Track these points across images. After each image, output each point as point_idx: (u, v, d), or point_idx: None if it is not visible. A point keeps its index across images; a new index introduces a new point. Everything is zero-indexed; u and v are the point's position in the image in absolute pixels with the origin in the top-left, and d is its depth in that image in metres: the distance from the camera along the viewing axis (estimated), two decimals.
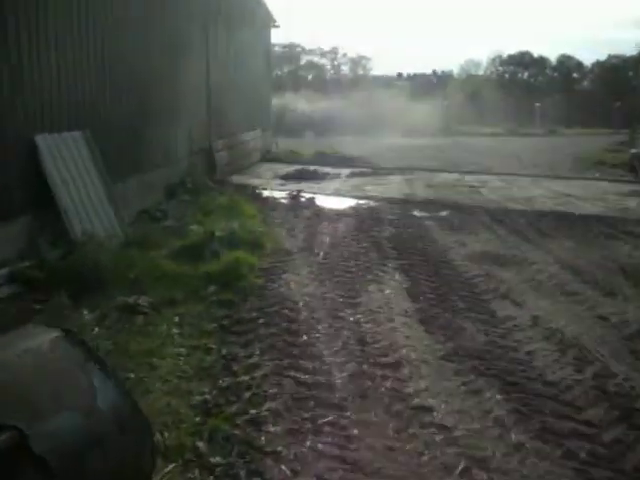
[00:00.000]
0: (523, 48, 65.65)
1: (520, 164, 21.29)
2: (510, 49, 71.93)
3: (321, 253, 9.95)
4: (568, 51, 68.16)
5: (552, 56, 66.59)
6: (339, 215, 12.99)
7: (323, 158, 21.42)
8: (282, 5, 73.73)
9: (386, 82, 57.98)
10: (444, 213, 13.48)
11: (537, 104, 40.94)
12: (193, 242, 9.35)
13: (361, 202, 14.67)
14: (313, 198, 14.98)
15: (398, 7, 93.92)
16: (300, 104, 40.52)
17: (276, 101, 34.36)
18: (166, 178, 13.76)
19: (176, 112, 14.17)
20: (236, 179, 17.50)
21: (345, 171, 19.41)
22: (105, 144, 10.09)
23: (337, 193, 15.83)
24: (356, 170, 19.55)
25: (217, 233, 9.56)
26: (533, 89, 61.95)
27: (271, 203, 14.38)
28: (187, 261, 8.63)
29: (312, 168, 19.34)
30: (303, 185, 16.76)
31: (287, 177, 18.04)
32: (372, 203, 14.59)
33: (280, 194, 15.59)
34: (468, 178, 18.23)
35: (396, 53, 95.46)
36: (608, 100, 47.91)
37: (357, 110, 38.32)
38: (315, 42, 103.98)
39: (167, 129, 13.77)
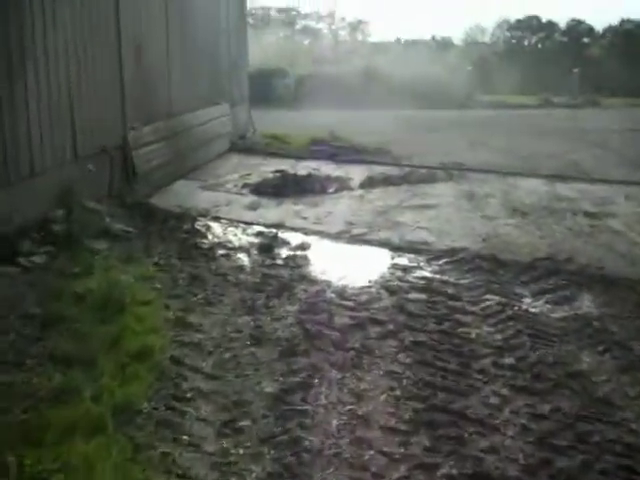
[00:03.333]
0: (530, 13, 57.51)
1: (620, 158, 12.83)
2: (517, 14, 63.52)
3: None
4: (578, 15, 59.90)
5: (561, 21, 58.48)
6: (357, 320, 5.60)
7: (321, 149, 13.05)
8: None
9: (384, 48, 50.28)
10: (588, 304, 6.10)
11: (575, 70, 32.43)
12: None
13: (398, 262, 7.19)
14: (304, 250, 7.54)
15: None
16: (294, 69, 32.16)
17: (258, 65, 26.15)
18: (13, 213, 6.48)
19: (21, 82, 6.27)
20: (170, 197, 9.63)
21: (357, 174, 11.56)
22: None
23: (348, 234, 8.25)
24: (375, 172, 11.46)
25: None
26: (540, 55, 55.49)
27: (216, 269, 6.87)
28: None
29: (304, 170, 11.23)
30: (287, 208, 9.36)
31: (262, 189, 10.14)
32: (422, 268, 7.07)
33: (242, 236, 8.01)
34: (566, 191, 10.38)
35: (394, 18, 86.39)
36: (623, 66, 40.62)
37: (360, 77, 29.90)
38: (312, 5, 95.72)
39: None
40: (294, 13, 66.58)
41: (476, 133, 17.22)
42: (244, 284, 6.20)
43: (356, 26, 67.66)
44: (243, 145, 14.14)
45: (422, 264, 6.91)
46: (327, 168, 12.10)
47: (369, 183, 10.72)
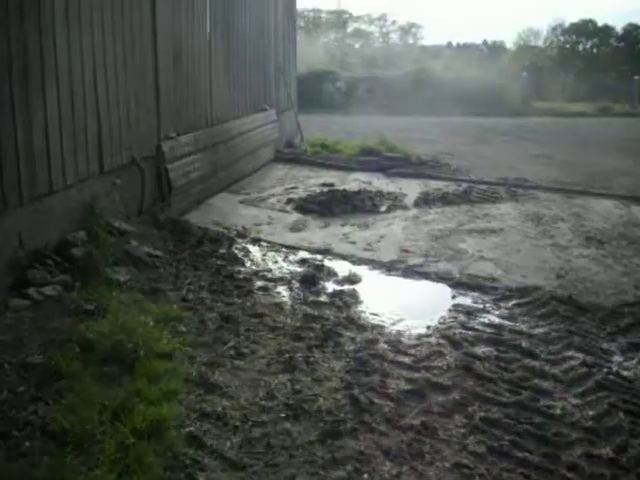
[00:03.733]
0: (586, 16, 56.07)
1: None
2: (571, 17, 62.00)
3: None
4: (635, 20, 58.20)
5: (618, 25, 56.87)
6: (415, 385, 4.62)
7: (372, 160, 12.01)
8: None
9: (435, 52, 49.17)
10: None
11: (636, 77, 30.81)
12: None
13: (460, 302, 6.25)
14: (352, 284, 6.58)
15: None
16: (345, 72, 31.25)
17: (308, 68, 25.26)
18: (26, 235, 5.81)
19: (38, 87, 5.71)
20: (208, 213, 8.96)
21: (411, 189, 10.64)
22: None
23: (402, 264, 7.20)
24: (430, 187, 10.57)
25: None
26: (595, 61, 54.03)
27: (252, 307, 5.93)
28: None
29: (353, 183, 10.40)
30: (335, 229, 8.47)
31: (308, 205, 9.26)
32: (489, 311, 6.06)
33: (283, 263, 7.28)
34: None
35: (446, 21, 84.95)
36: None
37: (411, 82, 28.88)
38: (364, 8, 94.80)
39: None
40: (346, 15, 65.85)
41: (536, 144, 16.05)
42: (282, 329, 5.27)
43: (408, 29, 66.62)
44: (290, 154, 13.23)
45: (488, 306, 5.90)
46: (379, 182, 11.14)
47: (425, 201, 9.72)
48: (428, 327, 5.42)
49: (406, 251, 7.38)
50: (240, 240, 7.70)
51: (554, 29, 60.84)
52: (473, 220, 8.75)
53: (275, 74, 13.62)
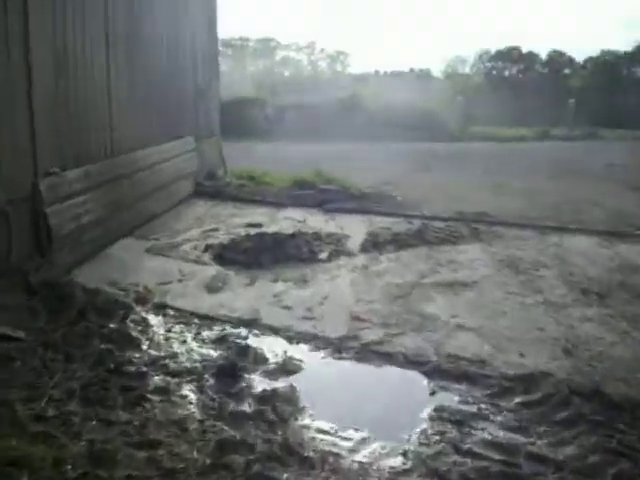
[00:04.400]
0: (511, 44, 56.30)
1: None
2: (497, 45, 62.24)
3: None
4: (558, 47, 58.63)
5: (542, 52, 57.23)
6: None
7: (306, 194, 10.16)
8: None
9: (363, 79, 48.16)
10: None
11: (571, 100, 29.96)
12: None
13: (443, 404, 4.30)
14: (288, 375, 4.69)
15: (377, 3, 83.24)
16: (274, 100, 29.52)
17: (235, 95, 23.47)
18: None
19: None
20: (103, 268, 6.93)
21: (355, 228, 8.97)
22: None
23: (356, 341, 5.24)
24: (378, 226, 8.94)
25: None
26: (522, 86, 54.26)
27: (141, 430, 3.84)
28: None
29: (286, 223, 8.55)
30: (264, 288, 6.57)
31: (231, 254, 7.38)
32: (486, 417, 4.14)
33: (193, 344, 5.26)
34: (635, 256, 7.62)
35: (373, 50, 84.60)
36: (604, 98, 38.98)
37: (343, 108, 27.33)
38: (291, 37, 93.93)
39: None
40: (273, 44, 64.64)
41: (486, 172, 14.48)
42: (184, 472, 3.29)
43: (336, 57, 65.73)
44: (211, 188, 11.24)
45: (484, 407, 4.08)
46: (315, 220, 9.29)
47: (373, 244, 7.89)
48: (405, 454, 3.57)
49: (358, 319, 5.50)
50: (139, 308, 5.69)
51: (481, 56, 60.99)
52: (436, 269, 6.95)
53: (194, 97, 11.66)
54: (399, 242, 7.95)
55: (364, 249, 7.71)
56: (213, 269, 6.94)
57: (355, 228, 8.76)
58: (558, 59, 59.17)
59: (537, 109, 38.71)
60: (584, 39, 77.03)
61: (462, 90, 46.06)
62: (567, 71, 58.76)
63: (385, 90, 35.13)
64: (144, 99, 9.16)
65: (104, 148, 7.95)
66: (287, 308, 5.77)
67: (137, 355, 4.76)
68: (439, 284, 6.43)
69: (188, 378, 4.43)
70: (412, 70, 60.87)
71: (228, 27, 72.05)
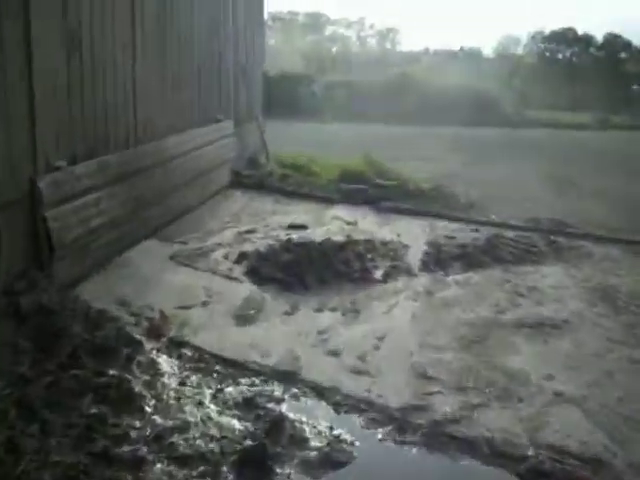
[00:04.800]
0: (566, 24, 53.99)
1: None
2: (551, 26, 59.83)
3: None
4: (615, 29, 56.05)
5: (598, 34, 54.73)
6: None
7: (357, 189, 8.85)
8: None
9: (413, 57, 46.52)
10: None
11: (636, 87, 27.92)
12: None
13: None
14: (335, 469, 3.36)
15: None
16: (322, 76, 28.17)
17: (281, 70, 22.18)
18: None
19: None
20: (114, 281, 5.84)
21: (414, 235, 7.89)
22: None
23: (422, 414, 3.89)
24: (440, 233, 7.85)
25: None
26: (576, 69, 52.09)
27: None
28: None
29: (334, 225, 7.29)
30: (305, 323, 5.21)
31: (267, 270, 6.13)
32: None
33: (211, 407, 3.91)
34: None
35: (423, 26, 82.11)
36: None
37: (393, 87, 25.82)
38: (340, 12, 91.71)
39: None
40: (323, 19, 62.94)
41: (551, 164, 12.98)
42: None
43: (385, 34, 63.75)
44: (251, 178, 10.00)
45: None
46: (368, 222, 8.03)
47: (437, 259, 6.58)
48: None
49: (425, 377, 4.24)
50: (150, 344, 4.49)
51: (534, 37, 58.54)
52: (516, 300, 5.62)
53: (235, 77, 10.40)
54: (467, 258, 6.62)
55: (426, 266, 6.40)
56: (246, 288, 5.72)
57: (414, 235, 7.47)
58: (614, 42, 56.59)
59: (592, 94, 36.79)
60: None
61: (514, 71, 44.32)
62: (623, 55, 56.27)
63: (436, 70, 33.52)
64: (176, 80, 7.94)
65: (126, 136, 6.77)
66: (334, 354, 4.52)
67: (137, 424, 3.57)
68: (522, 324, 5.11)
69: (201, 468, 3.22)
70: (462, 49, 58.80)
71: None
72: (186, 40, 8.18)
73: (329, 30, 63.89)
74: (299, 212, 8.41)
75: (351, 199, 9.02)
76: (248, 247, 6.74)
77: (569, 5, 72.49)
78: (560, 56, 57.98)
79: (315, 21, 62.17)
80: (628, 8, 70.12)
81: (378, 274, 6.11)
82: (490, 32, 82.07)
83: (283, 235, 7.20)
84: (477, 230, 7.74)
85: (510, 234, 7.57)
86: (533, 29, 63.53)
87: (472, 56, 53.88)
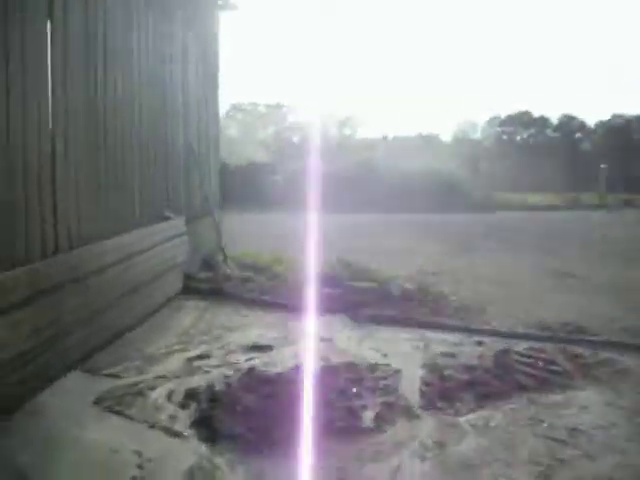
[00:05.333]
0: (522, 108, 54.67)
1: None
2: (507, 110, 60.52)
3: None
4: (569, 111, 56.83)
5: (553, 116, 55.47)
6: None
7: (331, 293, 7.35)
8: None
9: (372, 144, 46.25)
10: None
11: (603, 166, 27.32)
12: None
13: None
14: None
15: (384, 67, 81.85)
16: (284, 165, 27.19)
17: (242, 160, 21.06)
18: None
19: None
20: (14, 444, 4.12)
21: (405, 356, 6.45)
22: None
23: None
24: (436, 350, 6.48)
25: None
26: (534, 151, 52.76)
27: None
28: None
29: (305, 343, 5.51)
30: None
31: (223, 419, 4.62)
32: None
33: None
34: None
35: (382, 114, 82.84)
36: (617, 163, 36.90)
37: (356, 175, 24.89)
38: (301, 102, 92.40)
39: None
40: (284, 109, 63.00)
41: (539, 253, 11.79)
42: None
43: (344, 122, 63.81)
44: (206, 283, 8.50)
45: None
46: (346, 337, 6.57)
47: (440, 389, 5.08)
48: None
49: None
50: None
51: (490, 121, 59.10)
52: (558, 452, 4.13)
53: (185, 164, 9.04)
54: (478, 386, 5.14)
55: (429, 401, 4.90)
56: (193, 450, 4.14)
57: (405, 354, 6.00)
58: (569, 123, 57.31)
59: (552, 174, 36.59)
60: (594, 102, 75.20)
61: (473, 155, 44.28)
62: (579, 135, 56.90)
63: (396, 155, 32.84)
64: (111, 167, 6.52)
65: (41, 242, 5.27)
66: None
67: None
68: None
69: None
70: (420, 134, 58.82)
71: (239, 91, 70.68)
72: (124, 117, 6.82)
73: (289, 120, 63.91)
74: (262, 326, 6.93)
75: (323, 307, 7.55)
76: (199, 381, 5.20)
77: (524, 89, 73.68)
78: (518, 138, 58.67)
79: (275, 111, 62.24)
80: (580, 89, 71.91)
81: (368, 418, 4.58)
82: (447, 119, 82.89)
83: (244, 360, 5.70)
84: (480, 343, 6.30)
85: (521, 346, 6.15)
86: (490, 114, 64.10)
87: (430, 141, 53.92)
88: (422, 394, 5.02)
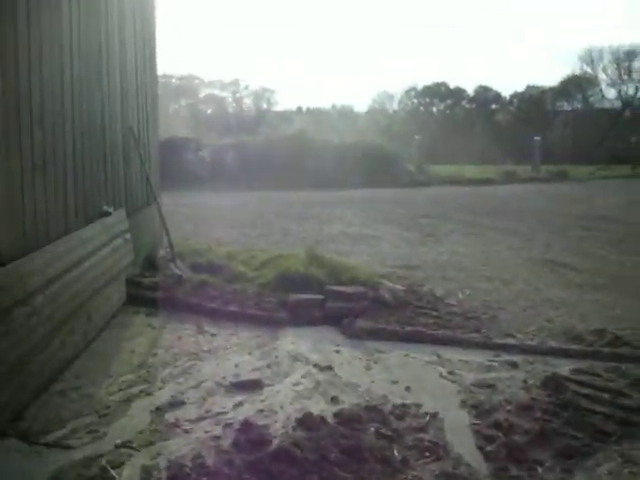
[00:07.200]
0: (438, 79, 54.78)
1: None
2: (424, 81, 60.33)
3: None
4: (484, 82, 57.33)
5: (469, 87, 55.78)
6: None
7: (308, 300, 5.97)
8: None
9: (289, 116, 45.04)
10: None
11: (537, 138, 26.68)
12: None
13: None
14: None
15: (302, 39, 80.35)
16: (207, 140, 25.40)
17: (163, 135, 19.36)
18: None
19: None
20: None
21: (433, 386, 4.94)
22: None
23: None
24: (467, 380, 5.11)
25: None
26: (450, 122, 53.29)
27: None
28: None
29: (299, 375, 4.78)
30: None
31: None
32: None
33: None
34: None
35: (299, 85, 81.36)
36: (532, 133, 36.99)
37: (284, 148, 23.36)
38: (215, 74, 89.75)
39: None
40: (197, 81, 60.69)
41: (508, 236, 10.73)
42: None
43: (261, 94, 62.01)
44: (154, 288, 6.92)
45: None
46: (348, 365, 5.16)
47: (503, 447, 3.77)
48: None
49: None
50: None
51: (407, 92, 58.67)
52: None
53: (125, 150, 7.40)
54: (551, 439, 3.88)
55: (499, 469, 3.60)
56: None
57: (432, 387, 4.69)
58: (485, 94, 57.48)
59: (470, 145, 36.15)
60: (510, 73, 75.96)
61: (388, 127, 43.72)
62: (494, 106, 57.13)
63: (321, 127, 31.52)
64: (36, 156, 4.88)
65: None
66: None
67: None
68: None
69: None
70: (334, 106, 57.44)
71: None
72: (55, 93, 5.18)
73: (204, 92, 61.64)
74: (238, 350, 5.48)
75: (304, 318, 6.18)
76: (179, 448, 3.74)
77: (441, 61, 73.61)
78: (434, 110, 58.56)
79: (189, 84, 59.95)
80: (498, 60, 72.31)
81: None
82: (363, 90, 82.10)
83: (231, 408, 4.27)
84: (515, 365, 5.06)
85: (564, 368, 4.95)
86: (407, 85, 63.62)
87: (344, 113, 52.78)
88: (486, 456, 3.72)
